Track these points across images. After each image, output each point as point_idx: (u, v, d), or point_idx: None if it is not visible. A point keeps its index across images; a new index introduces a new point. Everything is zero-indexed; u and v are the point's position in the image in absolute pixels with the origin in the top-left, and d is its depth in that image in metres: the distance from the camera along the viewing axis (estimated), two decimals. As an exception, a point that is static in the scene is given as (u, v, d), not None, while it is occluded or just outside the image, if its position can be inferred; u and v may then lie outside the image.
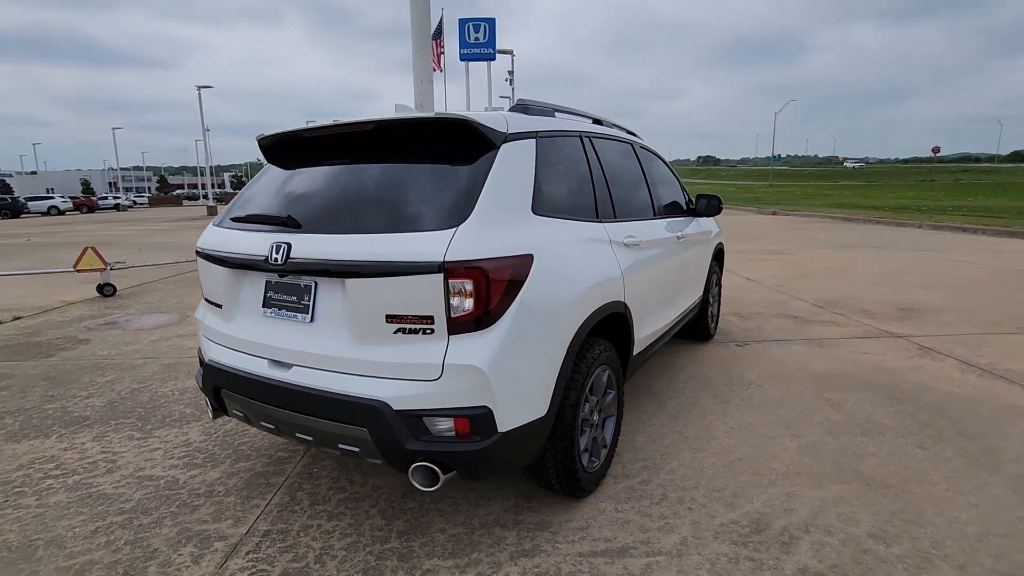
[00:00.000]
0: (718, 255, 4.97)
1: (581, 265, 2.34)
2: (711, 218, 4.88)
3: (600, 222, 2.66)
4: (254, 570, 2.11)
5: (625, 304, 2.68)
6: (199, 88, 29.38)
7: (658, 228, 3.36)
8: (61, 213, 37.39)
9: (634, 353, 2.95)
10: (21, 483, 2.78)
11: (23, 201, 36.97)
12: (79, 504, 2.59)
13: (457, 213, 1.94)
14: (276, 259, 2.09)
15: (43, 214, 36.86)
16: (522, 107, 2.48)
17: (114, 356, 4.82)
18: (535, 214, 2.19)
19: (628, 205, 3.09)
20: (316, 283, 2.08)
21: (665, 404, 3.57)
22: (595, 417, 2.56)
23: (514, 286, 1.95)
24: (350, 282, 1.97)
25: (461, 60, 46.68)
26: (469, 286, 1.85)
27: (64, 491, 2.70)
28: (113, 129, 54.23)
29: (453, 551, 2.20)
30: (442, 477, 1.92)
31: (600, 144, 2.95)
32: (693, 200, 4.27)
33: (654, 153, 3.98)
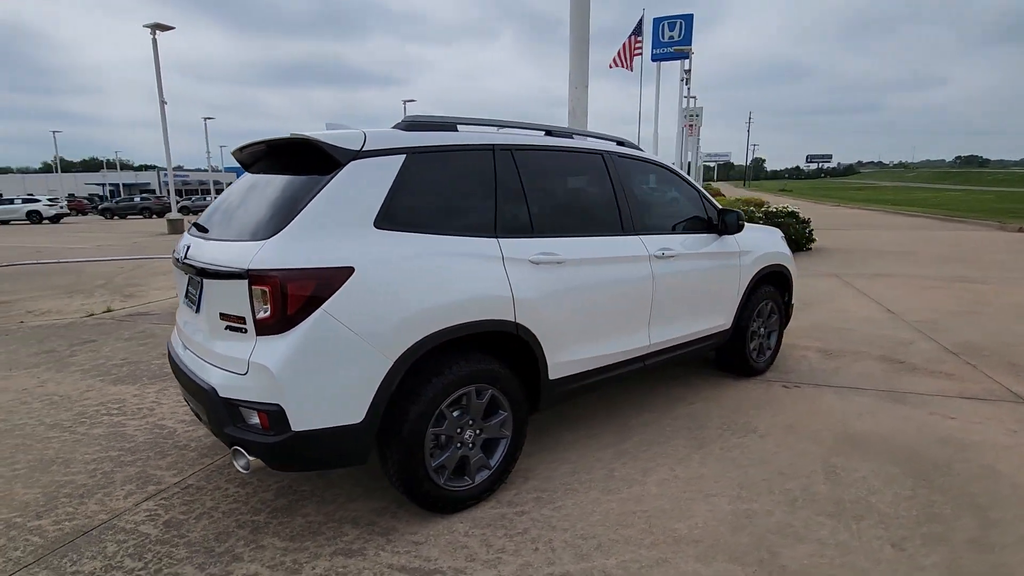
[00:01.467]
0: (771, 279, 4.28)
1: (436, 280, 2.33)
2: (767, 236, 4.26)
3: (497, 238, 2.59)
4: (151, 513, 2.57)
5: (518, 324, 2.57)
6: (404, 102, 33.64)
7: (617, 246, 3.09)
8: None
9: (552, 377, 2.79)
10: (90, 415, 3.71)
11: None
12: (104, 439, 3.37)
13: (278, 225, 2.13)
14: (180, 258, 2.51)
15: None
16: (407, 123, 2.54)
17: (229, 328, 5.95)
18: (381, 228, 2.27)
19: (563, 220, 2.93)
20: (202, 281, 2.44)
21: (628, 438, 3.27)
22: (467, 435, 2.52)
23: (317, 296, 2.07)
24: (206, 281, 2.29)
25: (653, 60, 45.34)
26: (267, 292, 2.03)
27: (104, 427, 3.53)
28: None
29: (295, 535, 2.39)
30: (249, 462, 2.14)
31: (528, 156, 2.84)
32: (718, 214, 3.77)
33: (656, 164, 3.63)
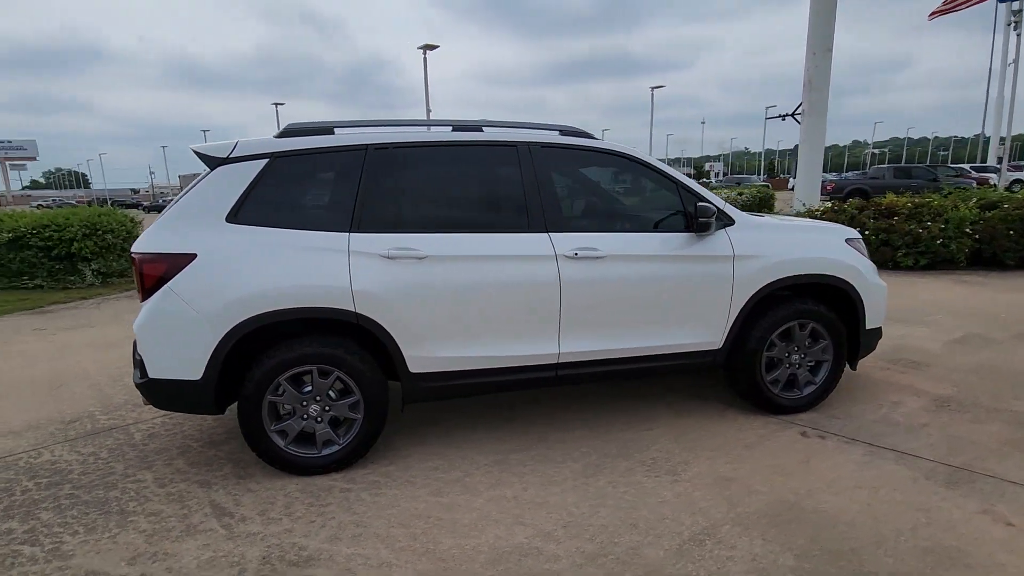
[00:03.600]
0: (810, 293, 3.29)
1: (268, 268, 2.64)
2: (808, 238, 3.35)
3: (350, 232, 2.76)
4: (151, 426, 3.54)
5: (358, 314, 2.71)
6: (652, 89, 32.65)
7: (509, 244, 2.89)
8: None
9: (413, 371, 2.84)
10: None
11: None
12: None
13: (159, 218, 2.75)
14: None
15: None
16: (283, 131, 2.86)
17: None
18: (232, 223, 2.69)
19: (442, 216, 2.90)
20: None
21: (528, 450, 3.06)
22: (312, 410, 2.80)
23: (164, 275, 2.61)
24: None
25: (1000, 1, 36.24)
26: (135, 270, 2.67)
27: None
28: (603, 130, 65.93)
29: (195, 462, 3.03)
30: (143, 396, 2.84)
31: (410, 154, 2.89)
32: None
33: (612, 154, 3.16)
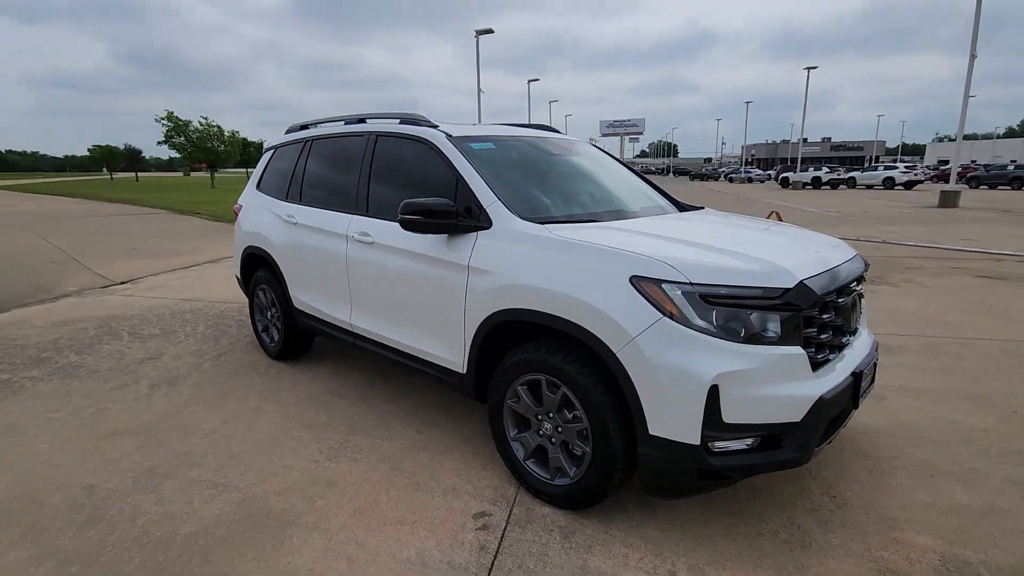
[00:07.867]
0: (561, 341, 2.22)
1: (251, 217, 4.21)
2: (565, 259, 2.35)
3: (280, 200, 3.96)
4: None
5: (269, 254, 3.97)
6: None
7: (328, 220, 3.42)
8: None
9: (295, 305, 3.87)
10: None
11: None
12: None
13: None
14: None
15: None
16: (289, 129, 4.17)
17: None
18: (257, 189, 4.36)
19: (317, 192, 3.67)
20: None
21: (330, 404, 3.55)
22: (269, 314, 4.28)
23: (238, 215, 4.55)
24: None
25: None
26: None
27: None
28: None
29: (222, 332, 5.03)
30: None
31: (319, 145, 3.76)
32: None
33: (418, 141, 3.01)
